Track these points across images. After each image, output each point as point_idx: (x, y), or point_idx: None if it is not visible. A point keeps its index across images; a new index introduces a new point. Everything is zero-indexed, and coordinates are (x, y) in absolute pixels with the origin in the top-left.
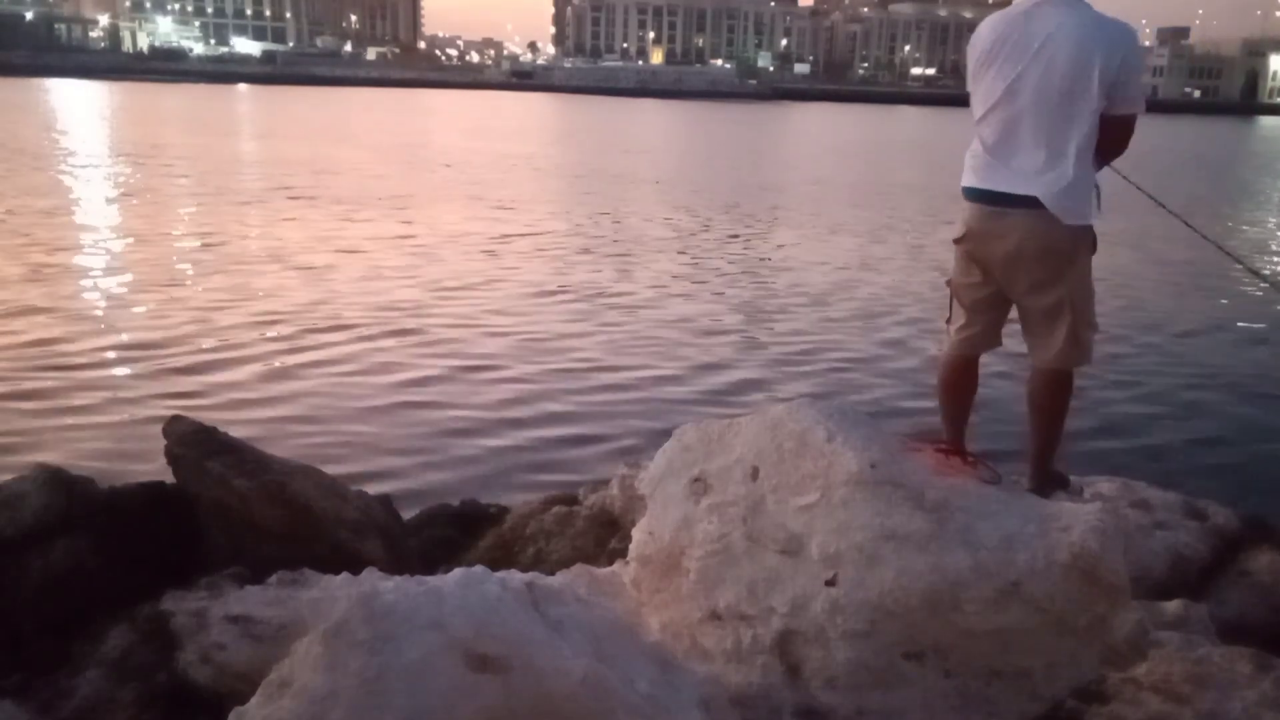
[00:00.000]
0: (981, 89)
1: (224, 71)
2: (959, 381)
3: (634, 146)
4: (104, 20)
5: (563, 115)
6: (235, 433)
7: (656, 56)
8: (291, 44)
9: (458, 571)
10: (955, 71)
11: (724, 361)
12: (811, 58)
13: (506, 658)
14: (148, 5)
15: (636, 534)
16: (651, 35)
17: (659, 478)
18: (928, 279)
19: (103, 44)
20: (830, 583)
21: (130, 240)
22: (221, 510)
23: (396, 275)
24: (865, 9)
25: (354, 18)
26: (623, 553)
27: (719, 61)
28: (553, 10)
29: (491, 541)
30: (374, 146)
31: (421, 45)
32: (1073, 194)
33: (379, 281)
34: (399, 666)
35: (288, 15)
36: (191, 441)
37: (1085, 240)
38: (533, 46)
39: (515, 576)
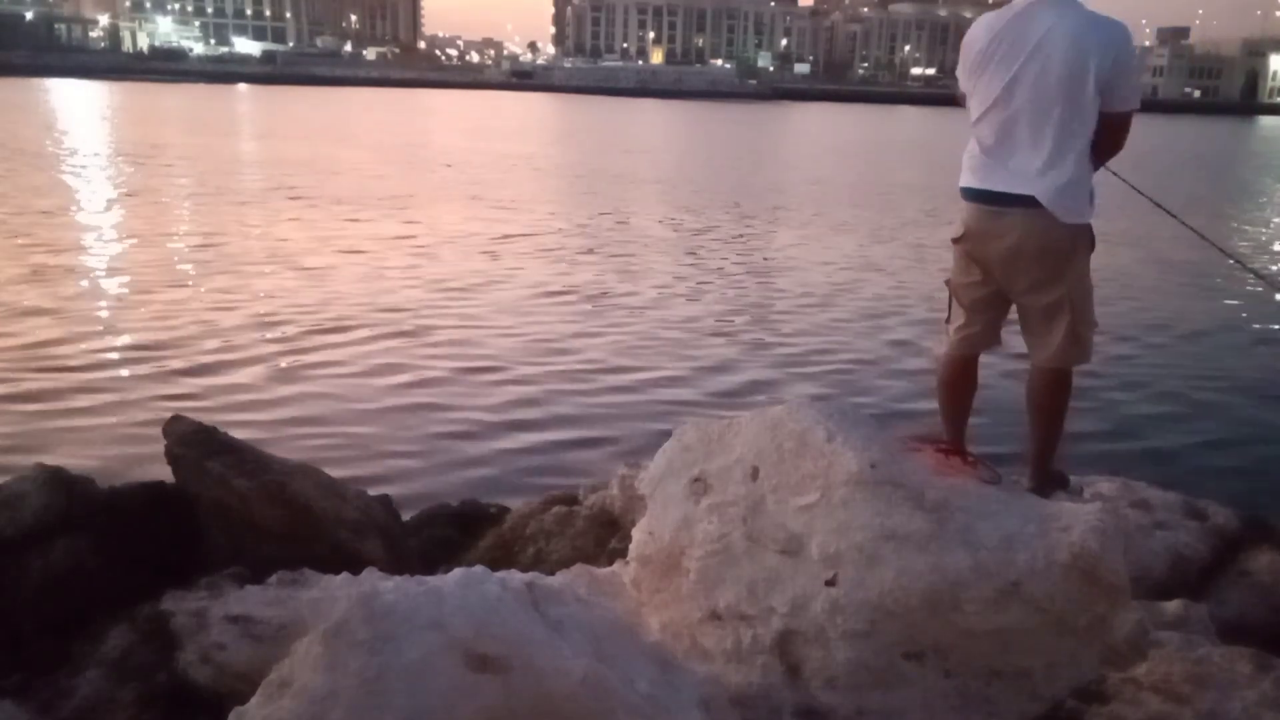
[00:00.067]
0: (978, 90)
1: (224, 71)
2: (959, 381)
3: (634, 146)
4: (104, 20)
5: (563, 115)
6: (235, 433)
7: (656, 56)
8: (291, 44)
9: (458, 571)
10: (955, 72)
11: (727, 363)
12: (811, 58)
13: (506, 658)
14: (148, 5)
15: (636, 534)
16: (651, 35)
17: (659, 478)
18: (930, 279)
19: (103, 44)
20: (830, 583)
21: (131, 241)
22: (221, 510)
23: (397, 276)
24: (865, 9)
25: (354, 18)
26: (623, 553)
27: (719, 61)
28: (553, 10)
29: (491, 541)
30: (374, 146)
31: (421, 45)
32: (1070, 193)
33: (380, 282)
34: (399, 666)
35: (288, 15)
36: (191, 441)
37: (1084, 239)
38: (533, 46)
39: (515, 576)
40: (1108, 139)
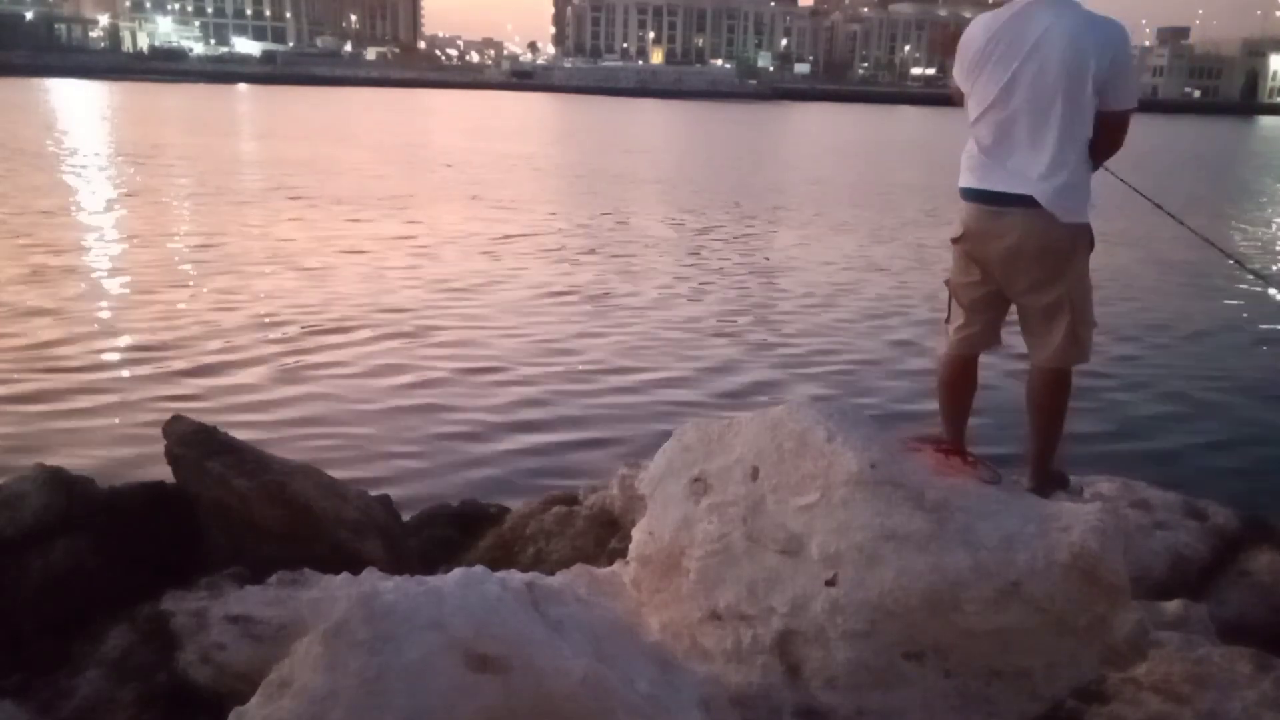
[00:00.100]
0: (976, 91)
1: (224, 71)
2: (958, 381)
3: (634, 146)
4: (104, 20)
5: (563, 115)
6: (235, 433)
7: (656, 56)
8: (291, 44)
9: (458, 571)
10: (952, 71)
11: (729, 363)
12: (811, 58)
13: (506, 658)
14: (148, 5)
15: (636, 534)
16: (651, 35)
17: (659, 478)
18: (932, 279)
19: (103, 44)
20: (830, 583)
21: (131, 241)
22: (221, 510)
23: (398, 276)
24: (865, 9)
25: (354, 18)
26: (623, 553)
27: (719, 61)
28: (553, 10)
29: (491, 541)
30: (374, 146)
31: (421, 45)
32: (1069, 192)
33: (380, 282)
34: (399, 666)
35: (288, 15)
36: (191, 441)
37: (1083, 238)
38: (533, 46)
39: (515, 576)
40: (1106, 138)
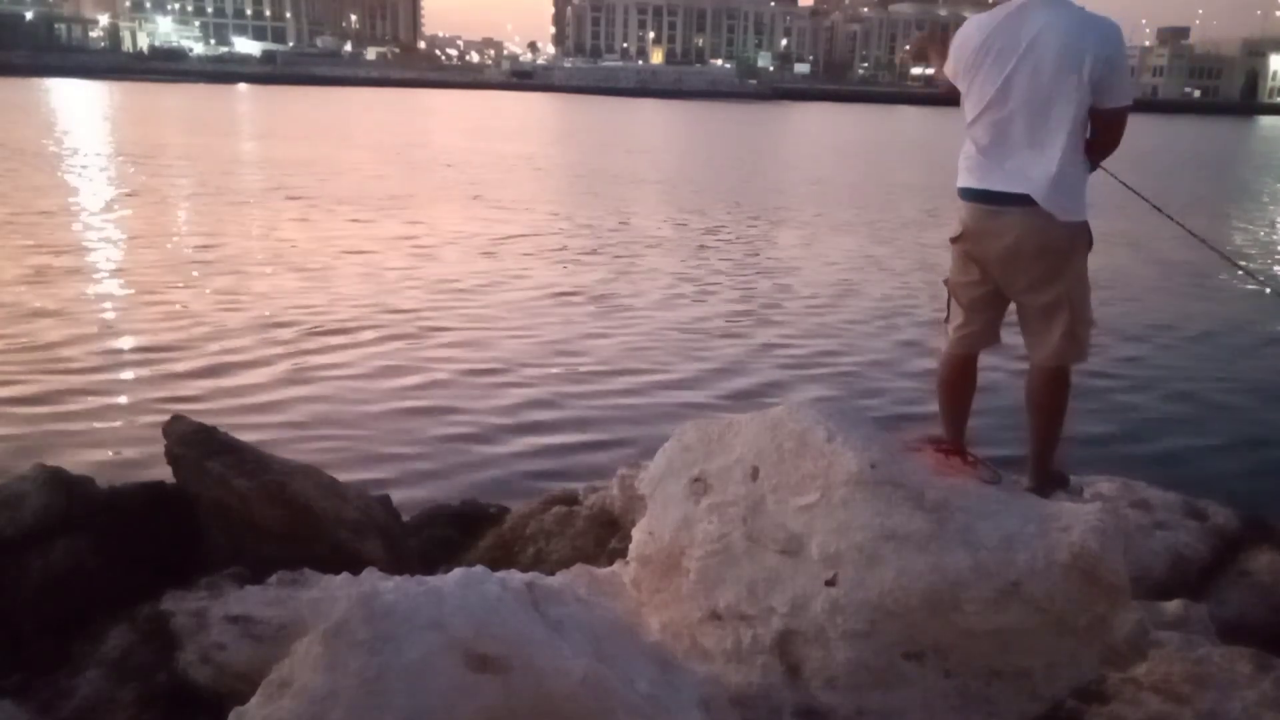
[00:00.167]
0: (973, 91)
1: (224, 71)
2: (958, 380)
3: (635, 146)
4: (104, 20)
5: (563, 115)
6: (235, 433)
7: (656, 56)
8: (291, 44)
9: (458, 571)
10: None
11: (733, 364)
12: (811, 58)
13: (506, 658)
14: (148, 5)
15: (636, 534)
16: (651, 35)
17: (659, 478)
18: (936, 279)
19: (103, 44)
20: (830, 583)
21: (132, 241)
22: (221, 510)
23: (399, 277)
24: (865, 9)
25: (354, 18)
26: (623, 553)
27: (719, 61)
28: (553, 10)
29: (491, 541)
30: (374, 146)
31: (421, 45)
32: (1067, 191)
33: (382, 283)
34: (399, 666)
35: (288, 15)
36: (191, 441)
37: (1082, 237)
38: (533, 46)
39: (515, 576)
40: (1104, 136)
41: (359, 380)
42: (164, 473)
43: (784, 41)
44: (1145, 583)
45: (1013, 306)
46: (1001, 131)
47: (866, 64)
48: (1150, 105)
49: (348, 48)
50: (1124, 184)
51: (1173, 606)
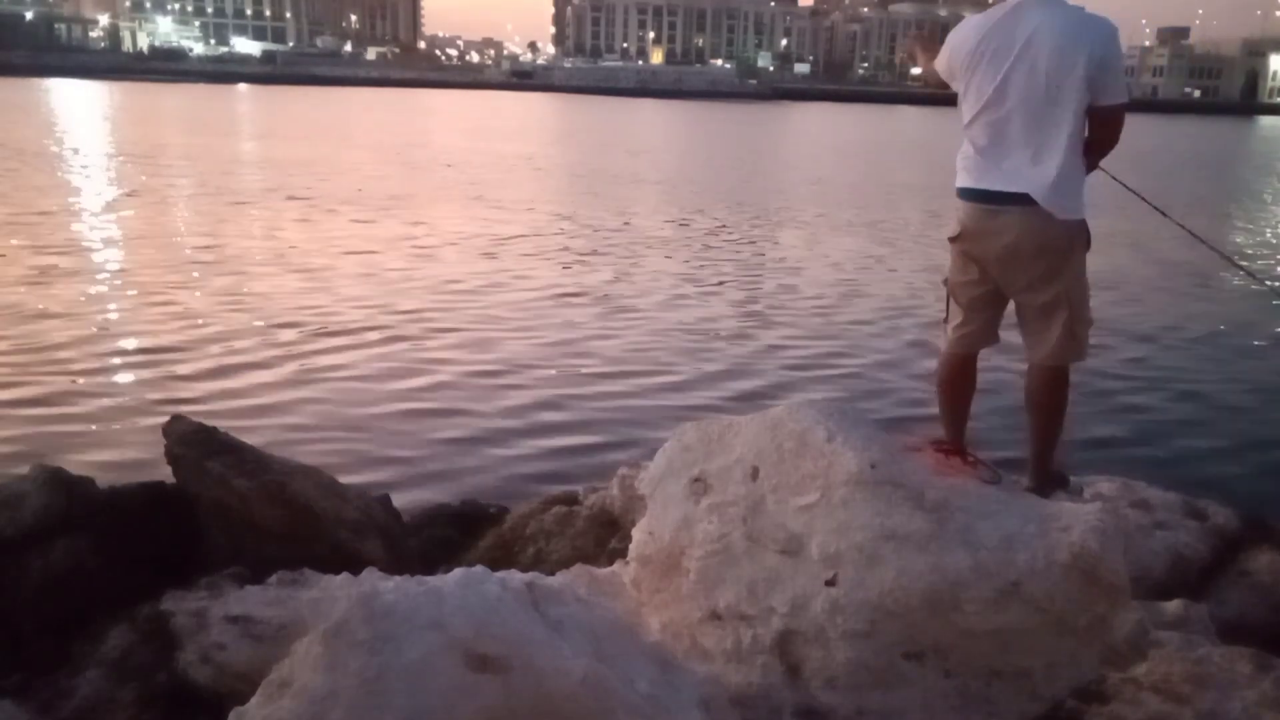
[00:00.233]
0: (969, 92)
1: (224, 71)
2: (958, 380)
3: (635, 146)
4: (104, 20)
5: (563, 115)
6: (235, 434)
7: (656, 56)
8: (291, 44)
9: (458, 571)
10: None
11: (736, 366)
12: (811, 58)
13: (506, 658)
14: (148, 5)
15: (636, 534)
16: (651, 35)
17: (659, 478)
18: (939, 280)
19: (103, 44)
20: (830, 583)
21: (133, 242)
22: (221, 510)
23: (400, 278)
24: (865, 9)
25: (354, 18)
26: (623, 553)
27: (719, 61)
28: (553, 10)
29: (491, 541)
30: (374, 147)
31: (421, 45)
32: (1065, 190)
33: (382, 284)
34: (399, 666)
35: (288, 15)
36: (191, 441)
37: (1080, 236)
38: (533, 46)
39: (515, 576)
40: (1101, 134)
41: (359, 381)
42: (165, 473)
43: (784, 41)
44: (1145, 583)
45: (1012, 306)
46: (999, 132)
47: (866, 64)
48: (1150, 105)
49: (348, 48)
50: (1126, 187)
51: (1173, 606)
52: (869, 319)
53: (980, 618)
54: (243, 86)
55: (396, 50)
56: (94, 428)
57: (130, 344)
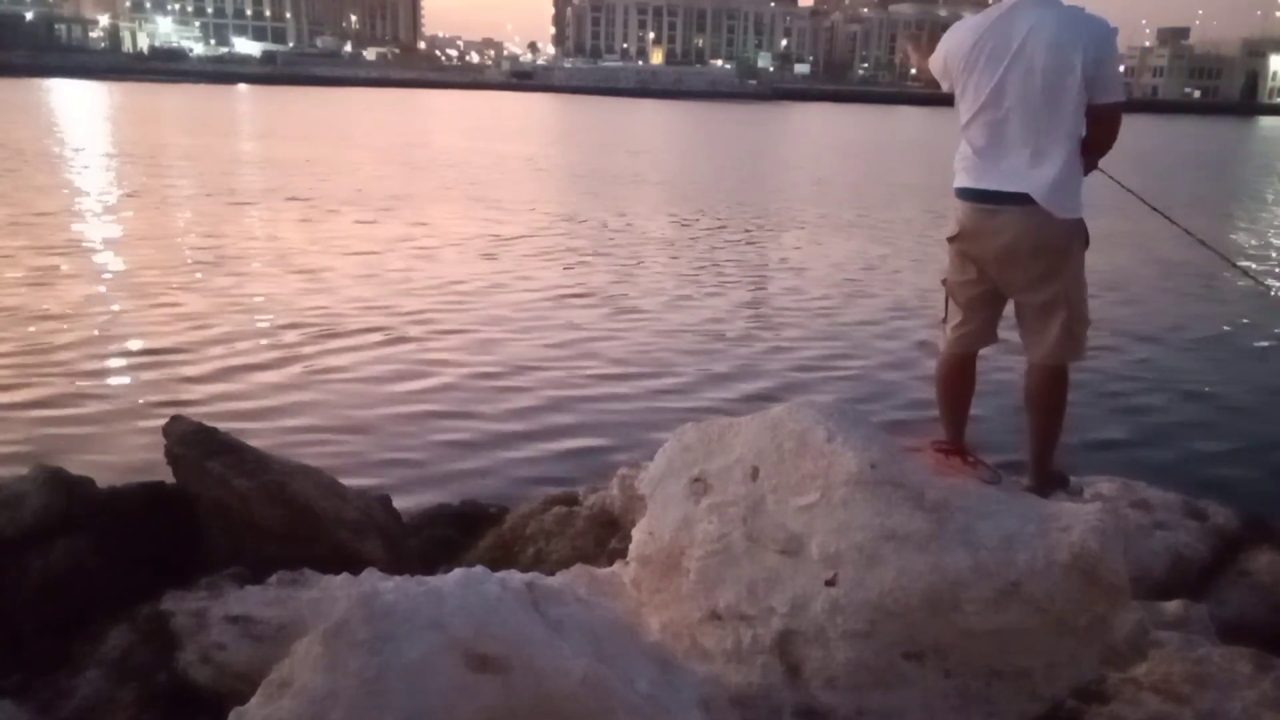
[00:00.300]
0: (967, 93)
1: (224, 72)
2: (957, 380)
3: (635, 147)
4: (104, 20)
5: (563, 115)
6: (236, 434)
7: (656, 57)
8: (291, 44)
9: (458, 571)
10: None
11: (739, 367)
12: (811, 58)
13: (506, 658)
14: (148, 5)
15: (636, 534)
16: (651, 35)
17: (659, 478)
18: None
19: (103, 44)
20: (830, 583)
21: (133, 243)
22: (221, 510)
23: (400, 279)
24: (865, 9)
25: (354, 18)
26: (623, 553)
27: (719, 62)
28: (553, 10)
29: (491, 541)
30: (374, 147)
31: (421, 45)
32: (1064, 189)
33: (383, 285)
34: (399, 666)
35: (288, 15)
36: (191, 441)
37: (1078, 235)
38: (533, 47)
39: (515, 576)
40: (1100, 132)
41: (360, 382)
42: (165, 474)
43: (784, 42)
44: (1145, 583)
45: (1011, 306)
46: (997, 132)
47: (866, 64)
48: (1150, 105)
49: (348, 48)
50: (1127, 189)
51: (1173, 606)
52: (873, 320)
53: (980, 618)
54: (243, 87)
55: (396, 50)
56: (94, 428)
57: (130, 345)
